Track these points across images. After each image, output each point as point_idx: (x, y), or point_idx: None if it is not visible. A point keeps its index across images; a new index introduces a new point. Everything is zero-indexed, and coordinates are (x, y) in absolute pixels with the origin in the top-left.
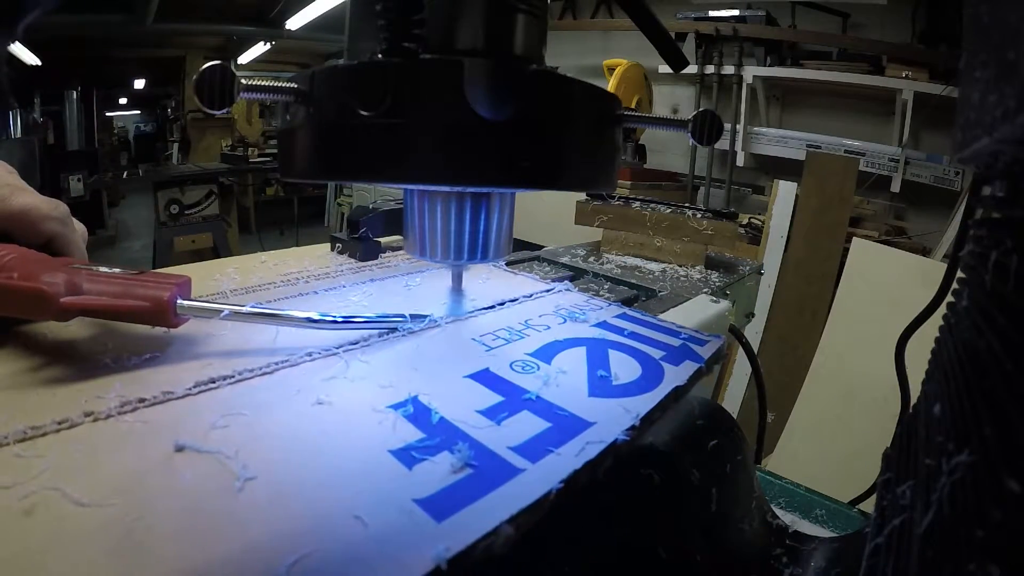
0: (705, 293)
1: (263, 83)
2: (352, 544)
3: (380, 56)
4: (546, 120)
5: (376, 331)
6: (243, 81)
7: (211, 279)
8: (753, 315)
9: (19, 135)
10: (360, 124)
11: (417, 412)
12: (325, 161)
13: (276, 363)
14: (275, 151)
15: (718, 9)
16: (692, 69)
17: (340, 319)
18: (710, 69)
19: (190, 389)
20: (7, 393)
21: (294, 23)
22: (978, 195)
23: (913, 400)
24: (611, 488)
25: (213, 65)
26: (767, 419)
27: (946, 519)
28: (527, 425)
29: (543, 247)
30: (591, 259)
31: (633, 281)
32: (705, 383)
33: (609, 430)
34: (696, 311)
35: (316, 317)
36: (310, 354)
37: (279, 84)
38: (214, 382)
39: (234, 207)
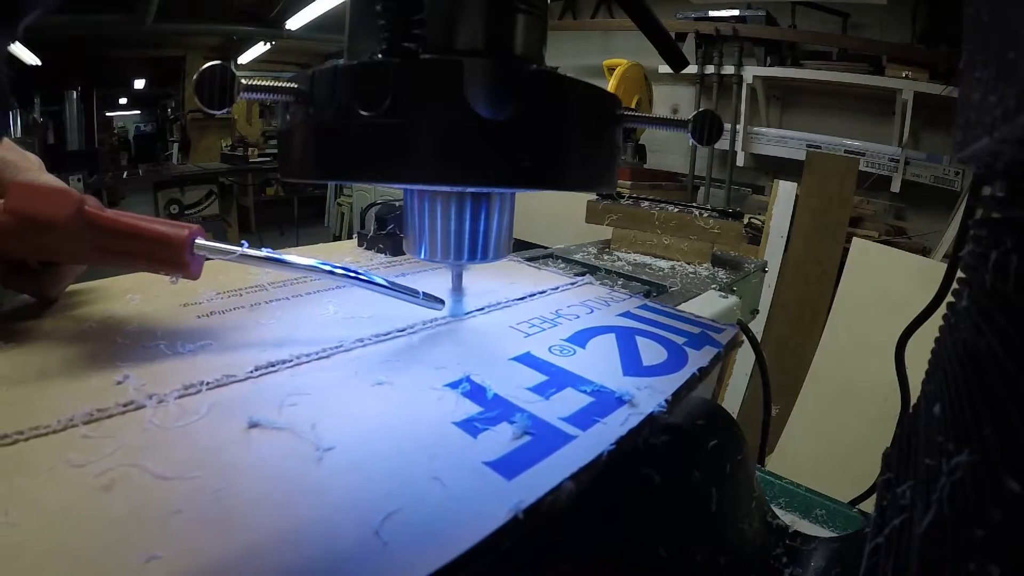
0: (713, 289)
1: (263, 83)
2: (435, 502)
3: (380, 56)
4: (546, 120)
5: (421, 321)
6: (243, 81)
7: (247, 272)
8: (758, 311)
9: (19, 135)
10: (360, 124)
11: (473, 389)
12: (325, 161)
13: (330, 348)
14: (275, 151)
15: (718, 9)
16: (692, 69)
17: (353, 273)
18: (710, 69)
19: (251, 372)
20: (67, 379)
21: (294, 23)
22: (978, 195)
23: (913, 400)
24: (612, 487)
25: (213, 65)
26: (772, 412)
27: (946, 519)
28: (573, 400)
29: (543, 246)
30: (604, 256)
31: (644, 277)
32: (707, 381)
33: (646, 404)
34: (706, 306)
35: (328, 268)
36: (361, 340)
37: (279, 84)
38: (273, 366)
39: (234, 207)
